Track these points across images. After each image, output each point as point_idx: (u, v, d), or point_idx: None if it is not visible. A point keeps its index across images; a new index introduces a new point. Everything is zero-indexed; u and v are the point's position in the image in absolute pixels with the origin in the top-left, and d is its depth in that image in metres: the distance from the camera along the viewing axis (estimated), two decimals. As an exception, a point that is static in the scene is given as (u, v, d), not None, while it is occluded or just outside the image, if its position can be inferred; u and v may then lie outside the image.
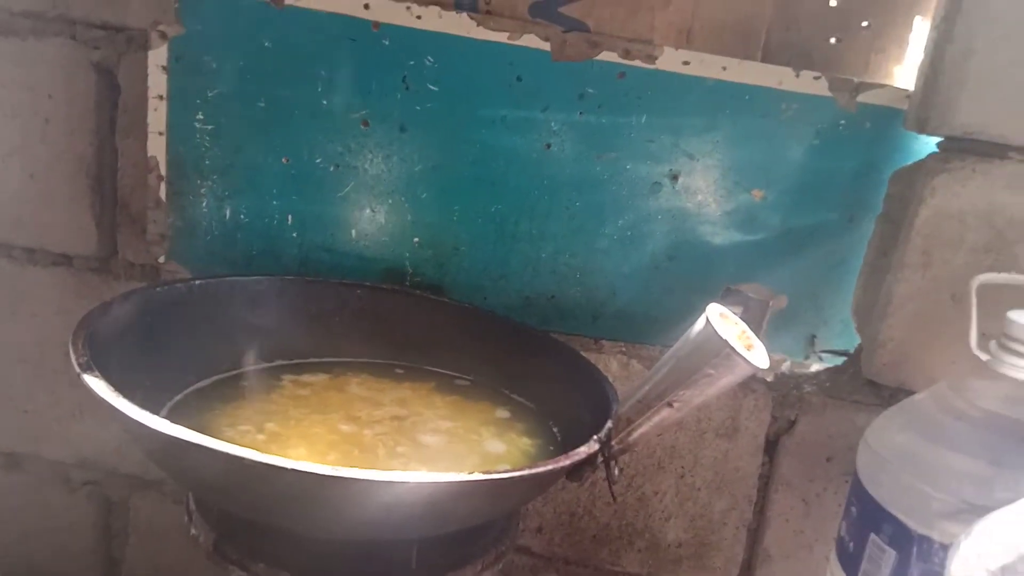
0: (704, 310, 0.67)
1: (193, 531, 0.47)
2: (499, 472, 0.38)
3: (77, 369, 0.41)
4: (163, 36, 0.63)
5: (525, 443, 0.53)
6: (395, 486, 0.36)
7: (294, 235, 0.68)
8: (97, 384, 0.39)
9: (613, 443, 0.43)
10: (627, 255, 0.68)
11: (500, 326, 0.64)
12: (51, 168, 0.71)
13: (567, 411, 0.56)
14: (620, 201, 0.67)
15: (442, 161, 0.66)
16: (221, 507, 0.44)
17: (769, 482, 0.68)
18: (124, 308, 0.51)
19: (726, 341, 0.39)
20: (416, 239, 0.68)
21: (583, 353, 0.60)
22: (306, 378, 0.59)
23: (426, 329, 0.65)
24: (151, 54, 0.64)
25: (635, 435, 0.43)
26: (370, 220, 0.68)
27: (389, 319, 0.65)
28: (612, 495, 0.45)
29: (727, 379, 0.40)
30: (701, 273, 0.68)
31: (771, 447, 0.68)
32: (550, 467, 0.40)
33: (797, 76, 0.64)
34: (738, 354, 0.39)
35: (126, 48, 0.67)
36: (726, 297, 0.69)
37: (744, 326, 0.41)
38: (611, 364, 0.68)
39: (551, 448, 0.53)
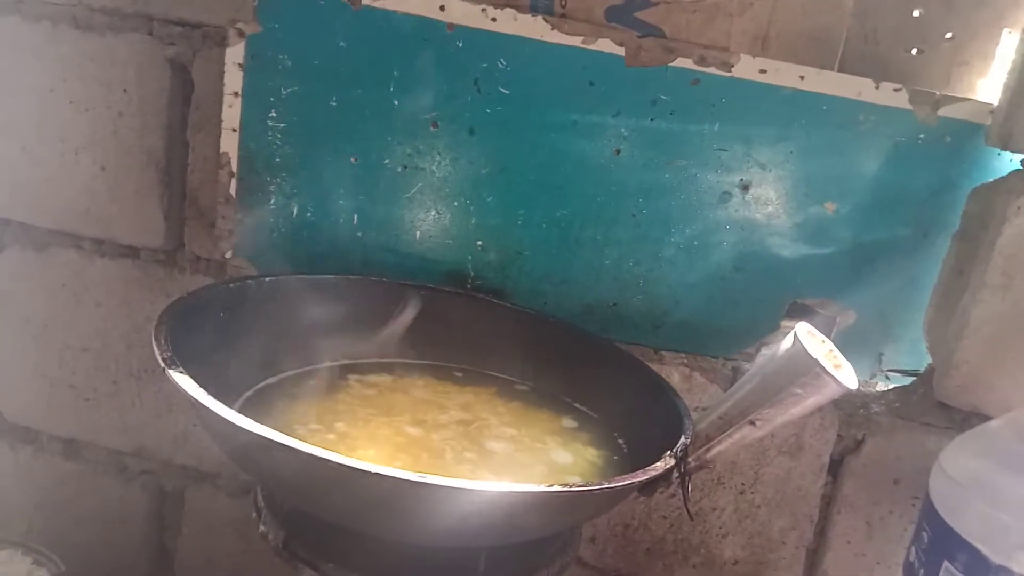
0: (775, 323, 0.66)
1: (262, 528, 0.47)
2: (580, 485, 0.37)
3: (162, 364, 0.41)
4: (241, 34, 0.64)
5: (591, 454, 0.53)
6: (478, 494, 0.35)
7: (358, 235, 0.68)
8: (183, 380, 0.39)
9: (690, 459, 0.42)
10: (692, 264, 0.67)
11: (563, 332, 0.63)
12: (122, 161, 0.72)
13: (633, 423, 0.55)
14: (688, 209, 0.66)
15: (509, 165, 0.66)
16: (296, 507, 0.44)
17: (831, 502, 0.66)
18: (198, 303, 0.52)
19: (816, 360, 0.38)
20: (479, 242, 0.68)
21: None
22: (371, 378, 0.59)
23: (487, 333, 0.65)
24: (228, 51, 0.64)
25: (713, 452, 0.42)
26: (435, 222, 0.68)
27: (451, 322, 0.65)
28: (688, 513, 0.44)
29: (815, 399, 0.39)
30: (768, 286, 0.67)
31: (835, 467, 0.66)
32: (628, 482, 0.39)
33: (877, 88, 0.62)
34: (828, 374, 0.37)
35: (201, 45, 0.68)
36: (792, 311, 0.68)
37: (831, 345, 0.39)
38: (672, 375, 0.67)
39: (617, 459, 0.53)
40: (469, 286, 0.69)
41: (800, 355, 0.38)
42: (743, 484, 0.67)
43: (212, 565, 0.79)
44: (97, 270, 0.75)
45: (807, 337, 0.38)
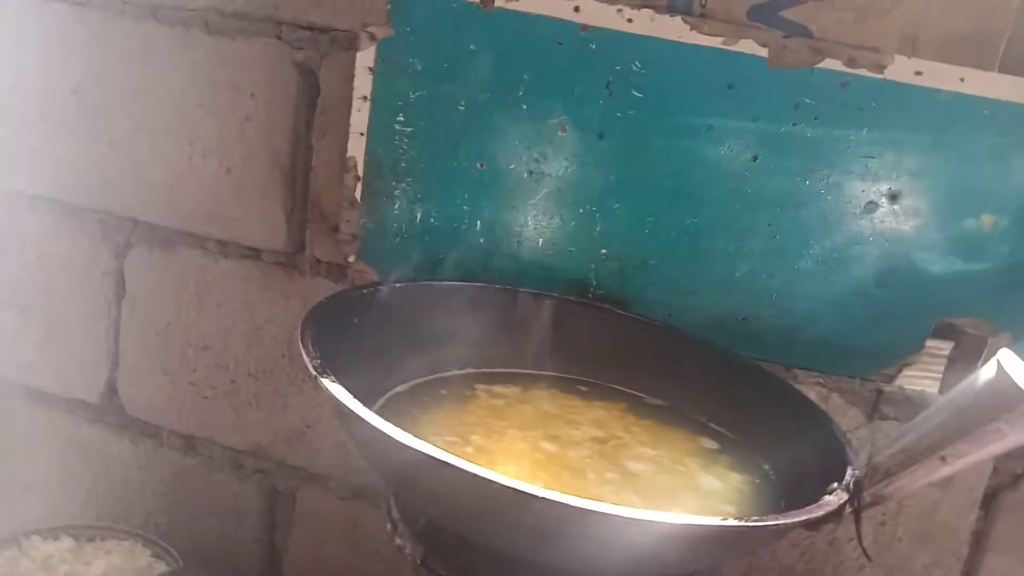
0: (920, 343, 0.62)
1: (398, 541, 0.46)
2: (760, 520, 0.34)
3: (313, 372, 0.40)
4: (372, 38, 0.64)
5: (736, 480, 0.50)
6: (649, 525, 0.33)
7: (481, 241, 0.67)
8: (337, 390, 0.39)
9: (865, 494, 0.39)
10: (831, 279, 0.63)
11: (694, 347, 0.61)
12: (247, 164, 0.73)
13: (779, 447, 0.52)
14: (828, 220, 0.62)
15: (638, 171, 0.63)
16: (440, 523, 0.43)
17: (982, 540, 0.62)
18: (334, 309, 0.51)
19: (1025, 393, 0.34)
20: (603, 251, 0.66)
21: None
22: (498, 389, 0.57)
23: (613, 345, 0.62)
24: (359, 55, 0.64)
25: (892, 487, 0.39)
26: (559, 229, 0.66)
27: (575, 332, 0.63)
28: (865, 554, 0.41)
29: (1020, 436, 0.35)
30: (913, 303, 0.62)
31: (988, 502, 0.61)
32: (803, 517, 0.37)
33: (1045, 90, 0.57)
34: (1040, 409, 0.34)
35: (329, 49, 0.68)
36: (939, 331, 0.63)
37: (1039, 376, 0.36)
38: (808, 396, 0.63)
39: (765, 487, 0.49)
40: (591, 295, 0.66)
41: (1006, 386, 0.34)
42: (884, 514, 0.63)
43: (320, 566, 0.80)
44: (220, 270, 0.76)
45: (1014, 366, 0.35)
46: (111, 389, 0.82)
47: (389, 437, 0.36)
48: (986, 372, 0.36)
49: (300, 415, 0.76)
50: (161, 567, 0.75)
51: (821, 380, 0.64)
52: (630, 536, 0.33)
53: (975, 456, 0.37)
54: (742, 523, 0.33)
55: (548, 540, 0.36)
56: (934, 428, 0.38)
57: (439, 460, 0.34)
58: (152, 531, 0.81)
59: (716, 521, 0.33)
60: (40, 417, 0.85)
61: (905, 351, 0.63)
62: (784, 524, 0.35)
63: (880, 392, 0.63)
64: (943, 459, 0.37)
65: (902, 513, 0.63)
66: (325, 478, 0.78)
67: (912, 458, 0.38)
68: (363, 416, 0.37)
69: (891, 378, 0.63)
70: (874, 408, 0.63)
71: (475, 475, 0.34)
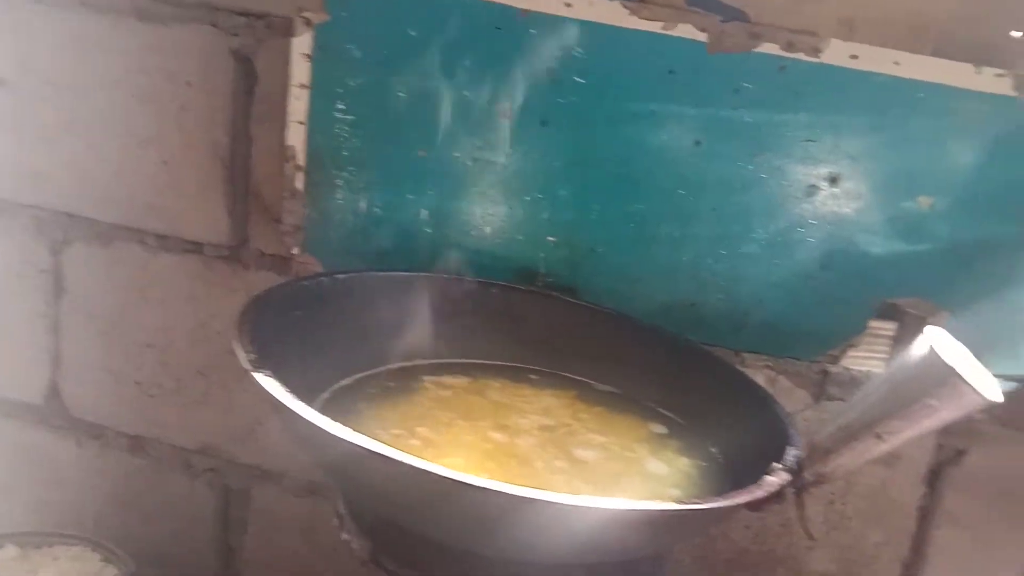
0: (864, 324, 0.63)
1: (344, 536, 0.45)
2: (700, 503, 0.35)
3: (247, 367, 0.39)
4: (308, 23, 0.62)
5: (684, 463, 0.50)
6: (595, 512, 0.33)
7: (427, 230, 0.66)
8: (271, 384, 0.38)
9: (806, 474, 0.40)
10: (776, 262, 0.63)
11: (643, 333, 0.61)
12: (185, 155, 0.71)
13: (726, 430, 0.52)
14: (771, 204, 0.62)
15: (583, 157, 0.63)
16: (384, 517, 0.43)
17: (930, 515, 0.63)
18: (274, 301, 0.50)
19: (953, 369, 0.35)
20: (551, 238, 0.65)
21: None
22: (447, 380, 0.57)
23: (563, 333, 0.62)
24: (294, 42, 0.63)
25: (831, 466, 0.40)
26: (505, 217, 0.65)
27: (524, 321, 0.63)
28: (807, 532, 0.42)
29: (951, 412, 0.36)
30: (856, 284, 0.63)
31: (934, 478, 0.63)
32: (744, 499, 0.37)
33: (978, 73, 0.58)
34: (967, 384, 0.34)
35: (265, 35, 0.66)
36: (883, 312, 0.64)
37: (968, 352, 0.36)
38: (756, 380, 0.64)
39: (713, 470, 0.50)
40: (540, 283, 0.66)
41: (935, 363, 0.35)
42: (833, 494, 0.64)
43: (277, 564, 0.79)
44: (161, 265, 0.74)
45: (943, 344, 0.35)
46: (54, 390, 0.80)
47: (323, 431, 0.35)
48: (917, 349, 0.37)
49: (250, 412, 0.75)
50: (112, 571, 0.73)
51: (769, 363, 0.65)
52: (569, 523, 0.33)
53: (909, 432, 0.37)
54: (680, 507, 0.34)
55: (489, 530, 0.36)
56: (870, 406, 0.38)
57: (374, 452, 0.33)
58: (103, 535, 0.79)
59: (654, 505, 0.33)
60: (-21, 421, 0.82)
61: (850, 332, 0.64)
62: (722, 507, 0.35)
63: (826, 373, 0.64)
64: (879, 436, 0.37)
65: (851, 493, 0.64)
66: (278, 475, 0.77)
67: (850, 436, 0.39)
68: (297, 410, 0.36)
69: (837, 359, 0.64)
70: (820, 389, 0.64)
71: (411, 466, 0.33)
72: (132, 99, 0.70)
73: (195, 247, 0.73)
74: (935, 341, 0.36)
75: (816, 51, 0.59)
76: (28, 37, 0.71)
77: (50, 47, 0.71)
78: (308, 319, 0.53)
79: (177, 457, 0.78)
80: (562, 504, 0.32)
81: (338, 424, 0.35)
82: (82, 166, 0.73)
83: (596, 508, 0.33)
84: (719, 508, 0.35)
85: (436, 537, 0.39)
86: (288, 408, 0.37)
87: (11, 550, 0.72)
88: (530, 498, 0.32)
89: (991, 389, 0.36)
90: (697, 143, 0.62)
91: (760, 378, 0.64)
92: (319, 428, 0.35)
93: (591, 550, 0.37)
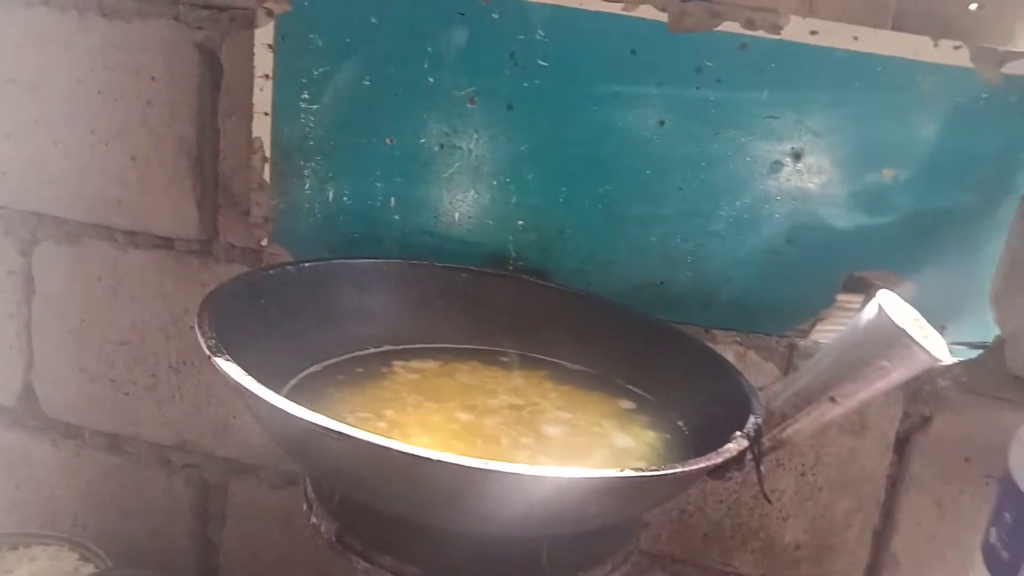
0: (831, 297, 0.64)
1: (313, 520, 0.45)
2: (653, 470, 0.35)
3: (207, 352, 0.40)
4: (269, 13, 0.62)
5: (651, 437, 0.50)
6: (547, 481, 0.33)
7: (396, 218, 0.66)
8: (230, 368, 0.38)
9: (764, 440, 0.40)
10: (743, 239, 0.64)
11: (613, 312, 0.61)
12: (152, 151, 0.70)
13: (692, 404, 0.53)
14: (737, 181, 0.63)
15: (550, 140, 0.64)
16: (350, 497, 0.43)
17: (898, 483, 0.64)
18: (238, 290, 0.50)
19: (903, 330, 0.35)
20: (520, 222, 0.66)
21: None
22: (416, 364, 0.57)
23: (533, 315, 0.63)
24: (257, 32, 0.63)
25: (789, 431, 0.40)
26: (474, 202, 0.66)
27: (495, 305, 0.63)
28: (765, 496, 0.42)
29: (901, 372, 0.36)
30: (823, 259, 0.64)
31: (902, 445, 0.63)
32: (702, 465, 0.37)
33: (935, 46, 0.59)
34: (917, 344, 0.35)
35: (229, 28, 0.66)
36: (849, 285, 0.65)
37: (918, 314, 0.37)
38: (726, 355, 0.64)
39: (679, 442, 0.50)
40: (511, 268, 0.66)
41: (885, 325, 0.35)
42: (804, 465, 0.65)
43: (258, 557, 0.79)
44: (132, 262, 0.74)
45: (892, 306, 0.36)
46: (28, 391, 0.79)
47: (281, 410, 0.35)
48: (867, 312, 0.37)
49: (225, 406, 0.75)
50: (89, 569, 0.73)
51: (738, 339, 0.65)
52: (526, 493, 0.34)
53: (864, 394, 0.38)
54: (634, 474, 0.34)
55: (448, 504, 0.36)
56: (824, 370, 0.39)
57: (329, 430, 0.34)
58: (81, 534, 0.79)
59: (608, 473, 0.34)
60: (-47, 425, 0.81)
61: (817, 306, 0.65)
62: (678, 472, 0.36)
63: (794, 347, 0.65)
64: (833, 399, 0.38)
65: (820, 463, 0.65)
66: (256, 468, 0.77)
67: (805, 401, 0.39)
68: (255, 391, 0.36)
69: (805, 333, 0.65)
70: (789, 362, 0.65)
71: (367, 442, 0.33)
72: (97, 95, 0.70)
73: (165, 242, 0.73)
74: (885, 304, 0.37)
75: (776, 28, 0.59)
76: (-10, 35, 0.70)
77: (13, 45, 0.70)
78: (274, 308, 0.53)
79: (154, 454, 0.78)
80: (516, 474, 0.32)
81: (295, 404, 0.36)
82: (49, 165, 0.72)
83: (550, 477, 0.33)
84: (675, 474, 0.36)
85: (399, 514, 0.39)
86: (247, 390, 0.37)
87: (-12, 551, 0.72)
88: (484, 469, 0.32)
89: (940, 349, 0.36)
90: (662, 123, 0.62)
91: (730, 354, 0.64)
92: (277, 408, 0.35)
93: (553, 521, 0.37)
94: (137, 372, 0.76)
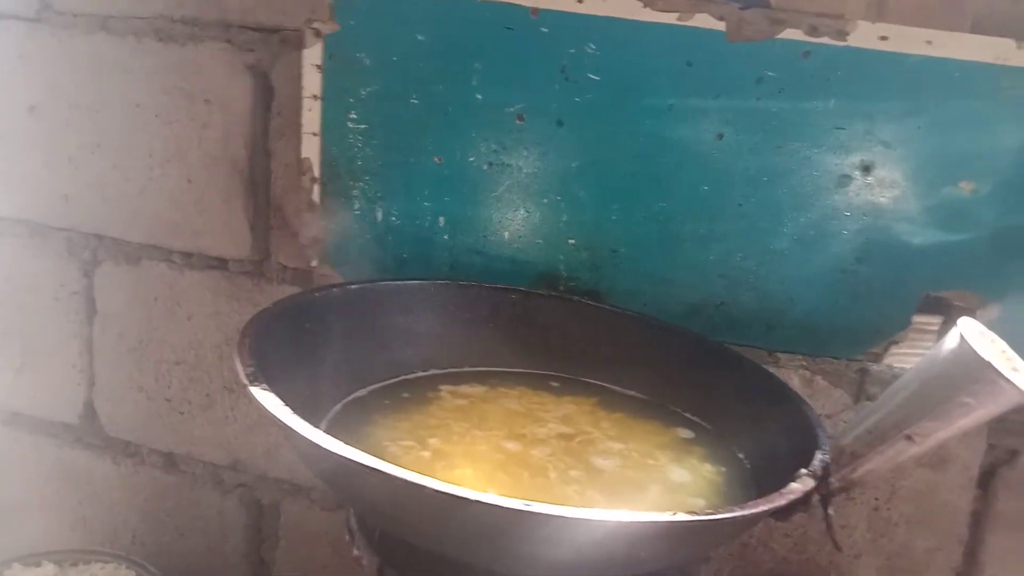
0: (906, 319, 0.59)
1: (356, 552, 0.44)
2: (709, 514, 0.32)
3: (244, 381, 0.39)
4: (317, 34, 0.62)
5: (709, 471, 0.47)
6: (593, 525, 0.31)
7: (445, 237, 0.65)
8: (266, 398, 0.37)
9: (832, 480, 0.37)
10: (808, 257, 0.60)
11: (668, 335, 0.58)
12: (207, 173, 0.71)
13: (754, 434, 0.50)
14: (801, 196, 0.59)
15: (601, 156, 0.61)
16: (388, 532, 0.41)
17: (983, 520, 0.59)
18: (282, 314, 0.50)
19: (989, 363, 0.32)
20: (571, 241, 0.64)
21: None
22: (463, 389, 0.55)
23: (584, 338, 0.60)
24: (305, 53, 0.63)
25: (860, 472, 0.37)
26: (524, 221, 0.64)
27: (544, 327, 0.61)
28: (835, 542, 0.39)
29: (987, 409, 0.33)
30: (896, 278, 0.60)
31: (986, 480, 0.59)
32: (763, 508, 0.34)
33: (1019, 48, 0.55)
34: (1005, 379, 0.31)
35: (280, 49, 0.66)
36: (926, 306, 0.60)
37: (1004, 345, 0.33)
38: (791, 380, 0.61)
39: (739, 477, 0.47)
40: (562, 288, 0.64)
41: (968, 357, 0.32)
42: (877, 499, 0.61)
43: (309, 577, 0.78)
44: (188, 283, 0.74)
45: (975, 336, 0.32)
46: (90, 409, 0.81)
47: (316, 444, 0.34)
48: (948, 343, 0.34)
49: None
50: (144, 587, 0.74)
51: (804, 363, 0.62)
52: (573, 537, 0.31)
53: (943, 433, 0.34)
54: (689, 519, 0.31)
55: (491, 544, 0.34)
56: (900, 405, 0.35)
57: (366, 466, 0.32)
58: (138, 551, 0.80)
59: (660, 517, 0.31)
60: (22, 441, 0.84)
61: (891, 328, 0.60)
62: (737, 517, 0.33)
63: (866, 372, 0.61)
64: (910, 438, 0.35)
65: (896, 497, 0.60)
66: (308, 489, 0.76)
67: (878, 439, 0.36)
68: (292, 425, 0.35)
69: (878, 357, 0.61)
70: (860, 389, 0.61)
71: (404, 480, 0.32)
72: (154, 119, 0.71)
73: (219, 263, 0.73)
74: (968, 333, 0.33)
75: (842, 34, 0.56)
76: (55, 63, 0.72)
77: (75, 71, 0.72)
78: (319, 331, 0.52)
79: (208, 473, 0.78)
80: (558, 516, 0.30)
81: (331, 437, 0.34)
82: (108, 187, 0.74)
83: (596, 520, 0.31)
84: (734, 519, 0.33)
85: (441, 552, 0.38)
86: (283, 422, 0.36)
87: (48, 568, 0.73)
88: (522, 511, 0.30)
89: (1033, 384, 0.33)
90: (720, 136, 0.59)
91: (795, 379, 0.61)
92: (312, 442, 0.34)
93: (600, 565, 0.35)
94: (192, 391, 0.77)
